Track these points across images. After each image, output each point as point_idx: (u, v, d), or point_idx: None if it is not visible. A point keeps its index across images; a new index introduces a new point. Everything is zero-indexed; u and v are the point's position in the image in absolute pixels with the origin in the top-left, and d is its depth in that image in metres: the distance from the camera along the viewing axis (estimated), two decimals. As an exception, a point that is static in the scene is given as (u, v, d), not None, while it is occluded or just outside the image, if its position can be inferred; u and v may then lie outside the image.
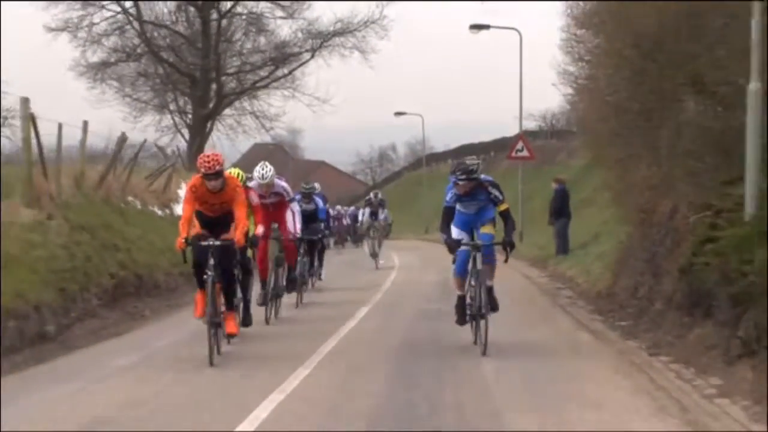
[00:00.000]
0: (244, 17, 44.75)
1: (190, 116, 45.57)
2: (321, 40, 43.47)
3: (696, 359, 9.83)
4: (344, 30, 42.98)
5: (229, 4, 43.83)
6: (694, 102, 12.56)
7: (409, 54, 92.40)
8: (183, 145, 43.08)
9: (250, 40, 45.29)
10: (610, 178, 16.19)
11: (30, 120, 14.87)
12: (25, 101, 14.90)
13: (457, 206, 11.28)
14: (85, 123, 18.43)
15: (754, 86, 9.95)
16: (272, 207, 14.18)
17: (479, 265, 11.09)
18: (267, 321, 13.67)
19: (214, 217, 11.01)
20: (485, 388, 8.98)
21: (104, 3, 42.50)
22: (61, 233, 14.46)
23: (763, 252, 9.21)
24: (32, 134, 15.03)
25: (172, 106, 46.47)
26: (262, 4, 44.26)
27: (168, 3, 43.68)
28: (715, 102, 11.88)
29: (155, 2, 43.45)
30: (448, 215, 11.29)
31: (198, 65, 43.43)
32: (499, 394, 8.68)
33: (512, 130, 45.26)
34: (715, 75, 11.69)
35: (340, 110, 47.63)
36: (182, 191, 26.83)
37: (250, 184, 13.40)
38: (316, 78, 44.52)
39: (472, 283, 11.09)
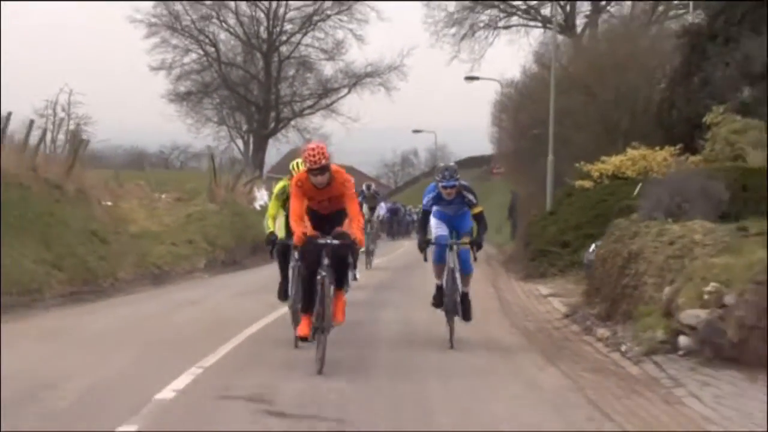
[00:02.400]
0: (296, 59, 58.30)
1: (244, 129, 59.25)
2: (355, 79, 56.86)
3: (534, 279, 23.00)
4: (373, 72, 56.28)
5: (285, 50, 57.43)
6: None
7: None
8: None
9: (300, 77, 58.81)
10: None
11: (211, 159, 28.49)
12: (210, 155, 28.58)
13: (435, 208, 11.52)
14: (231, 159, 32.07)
15: (550, 158, 23.41)
16: None
17: (454, 264, 11.33)
18: None
19: (326, 215, 10.00)
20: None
21: (192, 47, 56.37)
22: (227, 216, 27.94)
23: (552, 228, 22.55)
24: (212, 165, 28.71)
25: (230, 122, 60.19)
26: (311, 49, 57.86)
27: (241, 48, 57.45)
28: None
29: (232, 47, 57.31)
30: (426, 218, 11.67)
31: (261, 97, 57.10)
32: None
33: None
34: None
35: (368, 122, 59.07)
36: (259, 193, 40.58)
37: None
38: (349, 101, 57.12)
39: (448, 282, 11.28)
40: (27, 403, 7.39)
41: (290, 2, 56.01)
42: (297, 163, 10.78)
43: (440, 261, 11.46)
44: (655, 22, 34.90)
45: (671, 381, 8.82)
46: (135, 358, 9.61)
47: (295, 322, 10.41)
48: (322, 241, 9.53)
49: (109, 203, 24.60)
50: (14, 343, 10.46)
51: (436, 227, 11.50)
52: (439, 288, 11.53)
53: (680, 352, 9.62)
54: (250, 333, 11.74)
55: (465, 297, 11.51)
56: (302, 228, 9.54)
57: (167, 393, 7.74)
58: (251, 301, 14.86)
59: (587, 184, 21.71)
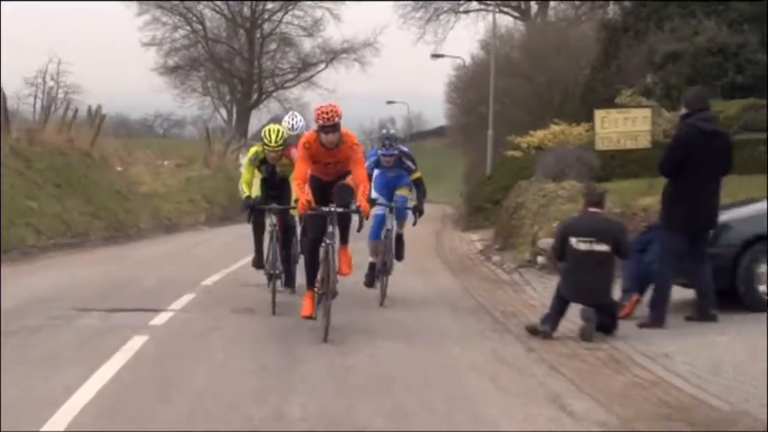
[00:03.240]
0: (277, 36, 62.85)
1: (227, 100, 64.01)
2: (332, 55, 61.51)
3: (471, 230, 27.95)
4: (349, 49, 60.95)
5: (267, 27, 62.02)
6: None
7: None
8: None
9: (281, 52, 63.41)
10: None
11: (206, 130, 33.28)
12: (206, 127, 33.31)
13: (376, 171, 11.71)
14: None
15: (489, 132, 28.31)
16: None
17: (392, 226, 11.57)
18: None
19: (328, 182, 9.76)
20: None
21: (180, 24, 60.88)
22: (221, 179, 32.76)
23: (488, 189, 27.50)
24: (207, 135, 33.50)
25: (215, 94, 64.87)
26: (291, 26, 62.47)
27: (226, 25, 61.99)
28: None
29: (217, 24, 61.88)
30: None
31: (245, 70, 61.74)
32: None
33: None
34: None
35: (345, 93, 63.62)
36: (244, 159, 45.28)
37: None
38: (327, 74, 61.80)
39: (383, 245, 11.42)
40: (123, 289, 12.26)
41: (272, -17, 60.69)
42: (269, 129, 10.94)
43: (376, 238, 11.67)
44: (582, 16, 39.81)
45: (524, 282, 13.82)
46: (180, 269, 14.55)
47: (272, 285, 10.71)
48: (326, 208, 9.27)
49: (120, 168, 29.39)
50: (87, 265, 15.37)
51: (374, 193, 11.56)
52: (372, 267, 11.73)
53: (537, 267, 14.63)
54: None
55: (399, 238, 11.95)
56: (306, 195, 9.31)
57: (207, 282, 12.68)
58: (247, 242, 19.78)
59: (517, 154, 26.63)
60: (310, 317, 9.38)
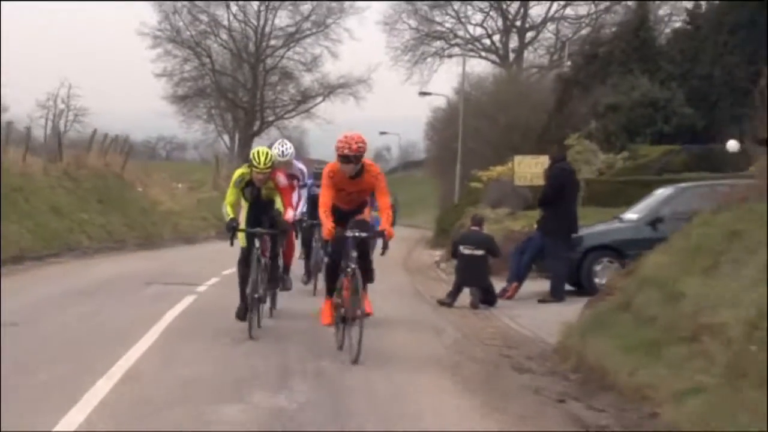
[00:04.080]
0: (279, 70, 68.08)
1: (230, 126, 69.22)
2: (329, 89, 66.68)
3: (437, 247, 33.05)
4: (344, 84, 66.10)
5: (270, 62, 67.24)
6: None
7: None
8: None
9: (282, 86, 68.62)
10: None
11: (216, 158, 38.37)
12: (215, 155, 38.48)
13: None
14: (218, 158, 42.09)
15: (458, 167, 33.42)
16: None
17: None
18: (270, 313, 12.08)
19: (349, 210, 10.14)
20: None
21: (190, 58, 66.10)
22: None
23: (453, 215, 32.61)
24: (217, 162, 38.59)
25: (219, 122, 70.11)
26: (292, 62, 67.73)
27: (231, 59, 67.24)
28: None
29: (224, 58, 67.11)
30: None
31: (248, 101, 66.96)
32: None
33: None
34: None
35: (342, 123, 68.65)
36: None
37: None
38: (324, 106, 66.86)
39: None
40: (168, 274, 17.21)
41: (275, 22, 65.94)
42: (258, 151, 11.03)
43: None
44: (554, 62, 45.08)
45: (446, 274, 18.85)
46: (204, 265, 19.53)
47: (249, 312, 10.63)
48: (350, 233, 9.54)
49: (140, 189, 34.46)
50: (134, 261, 20.38)
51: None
52: None
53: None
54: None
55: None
56: (331, 223, 9.52)
57: (226, 272, 17.63)
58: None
59: (479, 185, 31.72)
60: (330, 325, 10.08)
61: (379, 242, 9.89)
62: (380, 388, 8.28)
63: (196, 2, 64.58)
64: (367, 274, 10.14)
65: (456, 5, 54.58)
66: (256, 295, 10.87)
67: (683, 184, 16.16)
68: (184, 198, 36.08)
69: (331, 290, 10.23)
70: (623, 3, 45.97)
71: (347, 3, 62.80)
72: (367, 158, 10.17)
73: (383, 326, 11.50)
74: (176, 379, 8.17)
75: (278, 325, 11.59)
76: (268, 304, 11.91)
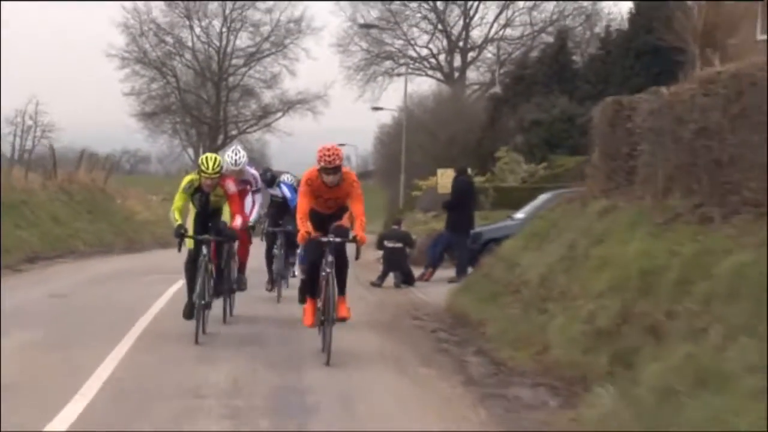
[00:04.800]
0: (241, 87, 72.32)
1: (194, 140, 73.36)
2: (288, 105, 70.97)
3: None
4: (303, 100, 70.41)
5: (232, 80, 71.47)
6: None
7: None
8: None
9: (244, 102, 72.89)
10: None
11: (186, 172, 42.59)
12: (185, 170, 42.62)
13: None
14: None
15: (402, 176, 37.88)
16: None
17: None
18: (224, 319, 12.49)
19: (327, 215, 10.33)
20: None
21: (156, 77, 70.17)
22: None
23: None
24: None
25: (183, 136, 74.24)
26: (253, 80, 71.97)
27: (195, 78, 71.38)
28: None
29: (189, 77, 71.25)
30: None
31: (212, 117, 71.15)
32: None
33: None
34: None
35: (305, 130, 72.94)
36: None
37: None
38: (284, 121, 71.08)
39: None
40: (159, 268, 21.41)
41: (237, 43, 70.20)
42: (207, 157, 11.22)
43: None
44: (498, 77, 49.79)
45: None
46: (181, 263, 23.79)
47: (196, 316, 10.90)
48: (324, 239, 9.85)
49: (119, 201, 38.55)
50: (125, 261, 24.58)
51: None
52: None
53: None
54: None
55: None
56: (306, 227, 9.79)
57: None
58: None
59: (419, 193, 36.18)
60: (312, 326, 10.40)
61: (352, 248, 10.25)
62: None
63: (161, 25, 68.71)
64: (342, 278, 10.28)
65: (404, 27, 59.13)
66: (202, 302, 11.06)
67: (560, 191, 20.66)
68: (159, 208, 40.07)
69: (311, 292, 10.46)
70: (547, 30, 50.81)
71: (304, 24, 67.15)
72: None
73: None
74: (180, 327, 12.45)
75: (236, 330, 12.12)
76: (221, 311, 12.33)
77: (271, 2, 68.37)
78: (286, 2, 68.23)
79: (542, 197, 20.45)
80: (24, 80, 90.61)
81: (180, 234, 11.23)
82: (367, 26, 53.48)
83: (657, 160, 11.09)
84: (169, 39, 69.64)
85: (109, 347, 10.22)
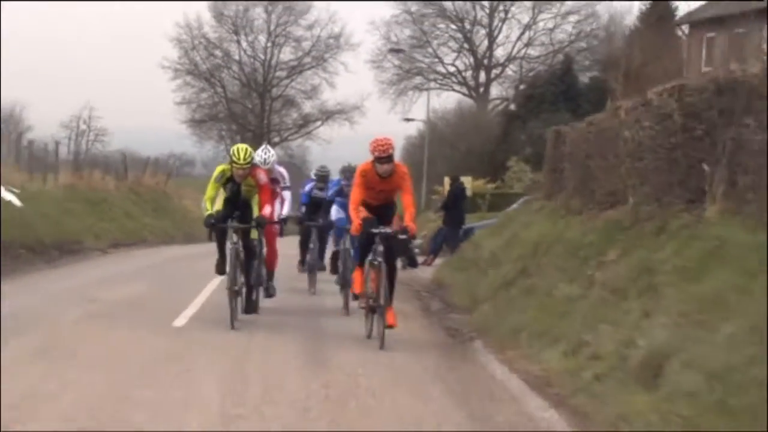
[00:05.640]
0: (283, 98, 77.81)
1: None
2: (327, 114, 76.28)
3: None
4: (341, 110, 75.65)
5: (275, 91, 77.03)
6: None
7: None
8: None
9: (286, 111, 78.33)
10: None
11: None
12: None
13: (337, 198, 14.20)
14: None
15: (424, 182, 42.98)
16: None
17: (349, 245, 13.66)
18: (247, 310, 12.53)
19: (377, 206, 10.74)
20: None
21: (206, 88, 75.86)
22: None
23: (420, 218, 42.26)
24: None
25: (228, 142, 79.91)
26: (294, 91, 77.44)
27: (242, 89, 77.02)
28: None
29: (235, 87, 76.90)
30: (330, 205, 14.76)
31: (256, 125, 76.77)
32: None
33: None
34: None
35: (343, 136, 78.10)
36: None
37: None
38: (323, 129, 76.35)
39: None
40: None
41: (280, 57, 75.69)
42: (238, 147, 11.51)
43: (338, 246, 14.19)
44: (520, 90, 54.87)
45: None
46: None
47: (232, 303, 11.35)
48: (375, 230, 10.35)
49: (176, 201, 43.96)
50: (185, 248, 29.92)
51: (336, 213, 14.07)
52: (335, 253, 14.56)
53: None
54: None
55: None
56: (359, 218, 10.34)
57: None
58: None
59: (437, 196, 41.21)
60: (359, 296, 11.15)
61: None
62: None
63: (211, 39, 74.40)
64: (391, 287, 10.68)
65: (434, 45, 64.37)
66: (235, 288, 11.45)
67: (528, 197, 25.73)
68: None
69: (362, 260, 11.09)
70: (564, 50, 55.76)
71: (342, 40, 72.46)
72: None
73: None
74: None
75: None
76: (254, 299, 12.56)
77: (313, 19, 73.78)
78: (326, 19, 73.54)
79: (520, 201, 25.52)
80: (79, 86, 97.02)
81: (210, 224, 11.60)
82: (395, 50, 58.55)
83: (571, 174, 16.21)
84: (218, 52, 75.06)
85: (196, 292, 15.42)
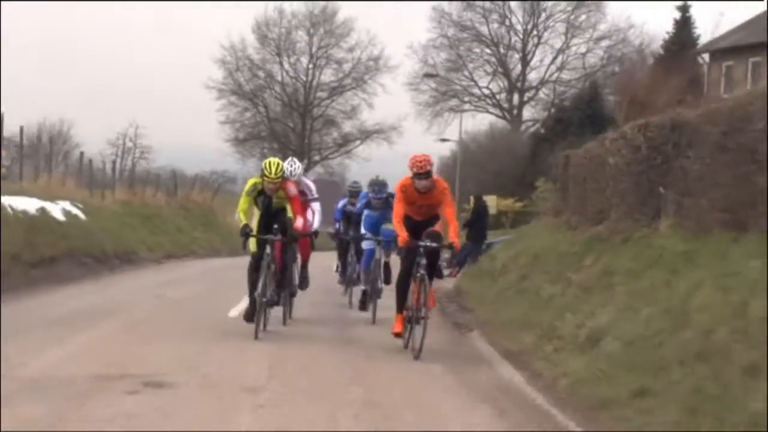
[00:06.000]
0: (324, 118, 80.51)
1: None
2: (366, 134, 78.85)
3: None
4: (379, 130, 78.17)
5: (316, 111, 79.75)
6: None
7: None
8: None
9: (327, 131, 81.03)
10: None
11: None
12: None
13: (366, 211, 14.13)
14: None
15: (456, 198, 45.40)
16: None
17: (380, 256, 14.01)
18: (284, 321, 13.23)
19: (420, 221, 11.01)
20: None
21: (249, 107, 78.75)
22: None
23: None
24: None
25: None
26: (334, 111, 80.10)
27: (284, 108, 79.80)
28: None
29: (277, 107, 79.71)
30: (346, 215, 15.70)
31: (297, 144, 79.45)
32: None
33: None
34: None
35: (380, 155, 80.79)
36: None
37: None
38: (362, 148, 78.96)
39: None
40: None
41: (321, 78, 78.41)
42: (270, 162, 11.74)
43: (367, 267, 14.08)
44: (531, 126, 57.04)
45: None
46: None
47: (257, 314, 11.59)
48: (422, 243, 10.69)
49: (222, 217, 46.50)
50: (229, 259, 32.41)
51: (365, 234, 14.18)
52: (365, 293, 14.31)
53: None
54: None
55: (386, 266, 14.30)
56: (404, 232, 10.57)
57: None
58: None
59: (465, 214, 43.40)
60: (399, 335, 11.04)
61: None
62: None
63: (255, 61, 77.29)
64: (434, 277, 11.33)
65: (470, 68, 66.76)
66: (264, 299, 11.60)
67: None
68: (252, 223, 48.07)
69: (401, 306, 11.10)
70: (596, 74, 57.98)
71: (381, 62, 75.04)
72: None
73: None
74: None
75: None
76: (280, 312, 12.89)
77: (353, 42, 76.45)
78: (366, 42, 76.12)
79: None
80: (123, 104, 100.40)
81: (246, 233, 11.74)
82: (430, 75, 61.01)
83: (573, 194, 18.44)
84: (261, 73, 77.83)
85: (245, 292, 17.72)
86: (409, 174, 10.81)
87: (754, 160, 9.20)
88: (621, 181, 13.72)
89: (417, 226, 10.99)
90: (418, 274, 10.82)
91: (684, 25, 44.90)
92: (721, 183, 9.96)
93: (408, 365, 10.18)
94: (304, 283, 14.24)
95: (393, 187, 12.32)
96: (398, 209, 10.84)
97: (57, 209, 22.32)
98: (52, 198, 23.11)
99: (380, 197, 13.66)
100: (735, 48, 39.93)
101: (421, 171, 10.60)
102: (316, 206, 13.90)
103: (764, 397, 6.28)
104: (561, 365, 8.92)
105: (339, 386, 8.74)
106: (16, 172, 29.55)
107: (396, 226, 10.79)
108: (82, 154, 35.16)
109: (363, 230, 14.18)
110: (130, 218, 30.76)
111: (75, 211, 24.36)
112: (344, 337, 12.30)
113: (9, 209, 18.76)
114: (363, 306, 14.24)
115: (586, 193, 16.66)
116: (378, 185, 13.86)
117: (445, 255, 26.64)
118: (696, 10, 45.10)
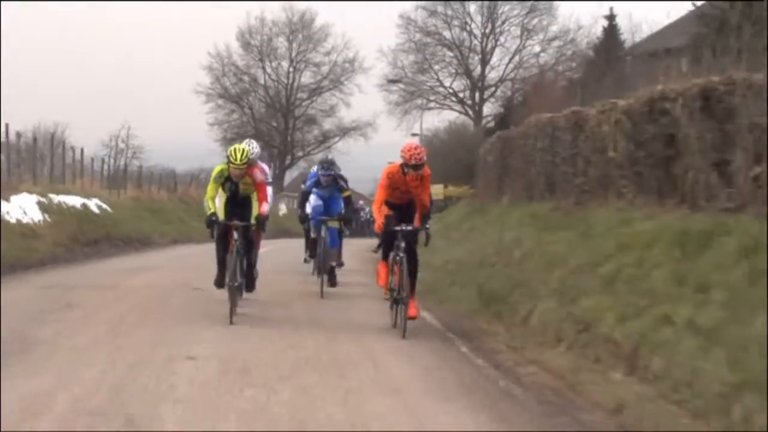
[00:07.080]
0: (305, 117, 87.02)
1: (266, 160, 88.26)
2: (344, 131, 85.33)
3: None
4: (356, 127, 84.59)
5: (297, 111, 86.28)
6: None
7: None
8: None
9: (308, 129, 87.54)
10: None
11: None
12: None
13: (314, 189, 14.60)
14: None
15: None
16: None
17: (325, 236, 14.68)
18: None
19: (400, 205, 11.25)
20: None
21: (235, 109, 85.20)
22: (271, 218, 56.51)
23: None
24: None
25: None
26: (314, 110, 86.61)
27: (267, 110, 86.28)
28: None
29: (261, 108, 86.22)
30: (306, 197, 14.98)
31: (281, 142, 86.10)
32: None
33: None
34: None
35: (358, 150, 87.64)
36: (282, 205, 69.20)
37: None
38: (341, 144, 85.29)
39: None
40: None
41: (301, 80, 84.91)
42: (235, 148, 11.90)
43: (333, 246, 15.07)
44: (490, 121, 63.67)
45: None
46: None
47: (232, 299, 11.69)
48: (397, 228, 10.90)
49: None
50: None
51: (314, 201, 14.76)
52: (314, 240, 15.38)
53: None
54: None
55: (332, 270, 15.18)
56: (382, 217, 10.85)
57: (270, 248, 36.26)
58: (288, 243, 43.17)
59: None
60: (384, 287, 11.68)
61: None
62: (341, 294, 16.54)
63: (239, 66, 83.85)
64: (413, 280, 11.13)
65: (434, 69, 73.72)
66: (235, 284, 11.74)
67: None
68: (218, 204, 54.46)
69: (386, 256, 11.51)
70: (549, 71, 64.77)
71: (356, 64, 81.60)
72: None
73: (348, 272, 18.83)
74: (278, 264, 26.48)
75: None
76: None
77: (330, 46, 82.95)
78: (341, 46, 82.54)
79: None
80: (117, 107, 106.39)
81: (212, 222, 11.97)
82: (393, 81, 67.84)
83: (489, 176, 25.15)
84: (245, 78, 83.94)
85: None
86: (398, 162, 11.14)
87: (534, 164, 16.04)
88: (490, 172, 20.54)
89: (396, 210, 11.35)
90: (398, 258, 11.17)
91: (611, 31, 51.48)
92: (523, 176, 16.80)
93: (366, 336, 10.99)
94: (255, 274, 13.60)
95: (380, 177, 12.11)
96: (380, 194, 11.21)
97: (93, 204, 29.00)
98: (88, 196, 29.78)
99: (328, 174, 14.27)
100: (653, 52, 46.29)
101: (418, 162, 10.89)
102: (268, 190, 13.75)
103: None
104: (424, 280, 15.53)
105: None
106: (54, 175, 36.02)
107: (375, 211, 11.29)
108: (92, 160, 41.68)
109: (312, 205, 14.92)
110: (142, 212, 37.33)
111: (105, 206, 31.01)
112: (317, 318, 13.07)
113: (64, 205, 25.45)
114: (313, 253, 15.54)
115: (487, 179, 23.46)
116: (327, 163, 14.58)
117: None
118: (620, 19, 51.76)
